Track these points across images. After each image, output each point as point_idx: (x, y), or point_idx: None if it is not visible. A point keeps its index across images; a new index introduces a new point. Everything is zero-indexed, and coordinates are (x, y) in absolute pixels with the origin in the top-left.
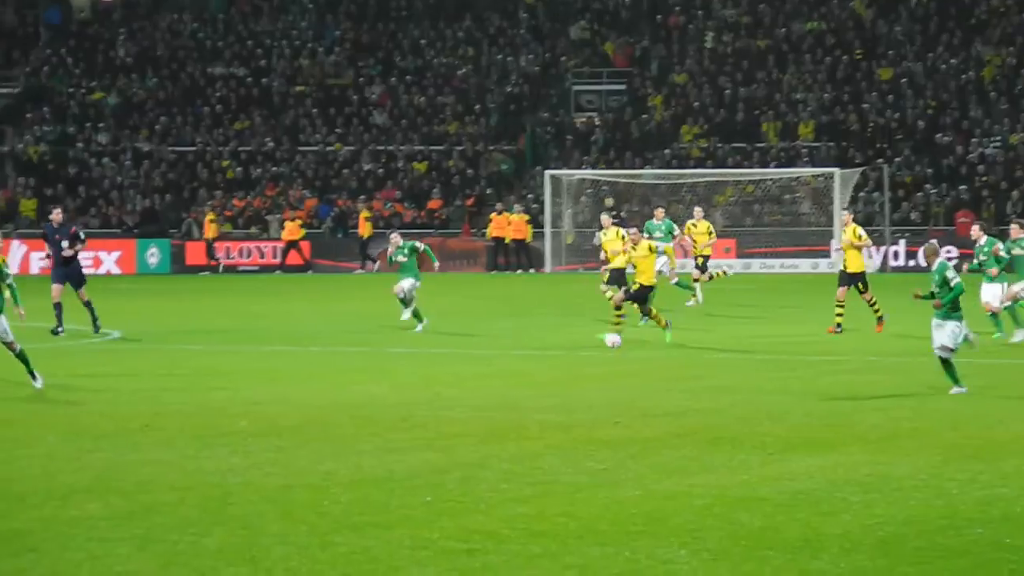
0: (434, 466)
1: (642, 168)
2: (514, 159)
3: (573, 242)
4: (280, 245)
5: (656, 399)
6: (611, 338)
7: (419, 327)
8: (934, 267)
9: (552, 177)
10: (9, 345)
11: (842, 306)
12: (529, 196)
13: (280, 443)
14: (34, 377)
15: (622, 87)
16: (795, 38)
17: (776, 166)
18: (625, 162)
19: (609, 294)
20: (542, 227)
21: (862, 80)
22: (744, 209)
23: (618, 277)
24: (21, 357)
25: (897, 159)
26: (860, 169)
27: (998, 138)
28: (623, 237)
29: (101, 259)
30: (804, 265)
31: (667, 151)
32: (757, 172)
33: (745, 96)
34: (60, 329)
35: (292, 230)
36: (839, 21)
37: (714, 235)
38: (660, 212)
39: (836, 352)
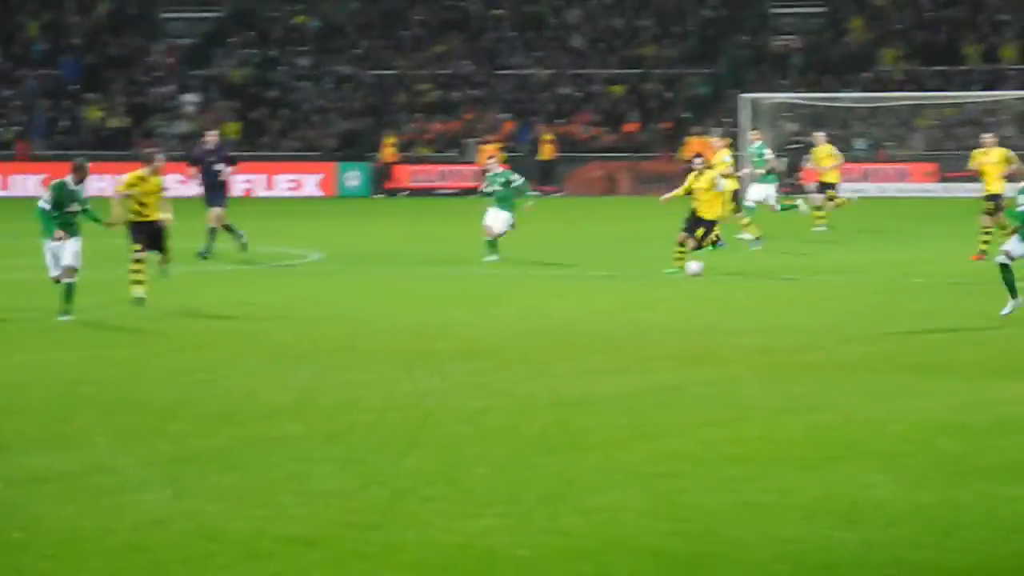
0: (631, 389)
1: (840, 91)
2: (711, 82)
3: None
4: (476, 169)
5: (854, 323)
6: (692, 266)
7: (493, 257)
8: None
9: (750, 101)
10: (70, 271)
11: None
12: (726, 120)
13: (478, 366)
14: (67, 312)
15: (821, 9)
16: None
17: (978, 89)
18: (824, 85)
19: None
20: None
21: None
22: (946, 133)
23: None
24: (68, 289)
25: None
26: None
27: None
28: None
29: (302, 182)
30: (1011, 190)
31: (866, 74)
32: (958, 95)
33: (947, 17)
34: (207, 253)
35: (488, 154)
36: None
37: (838, 158)
38: (756, 135)
39: None
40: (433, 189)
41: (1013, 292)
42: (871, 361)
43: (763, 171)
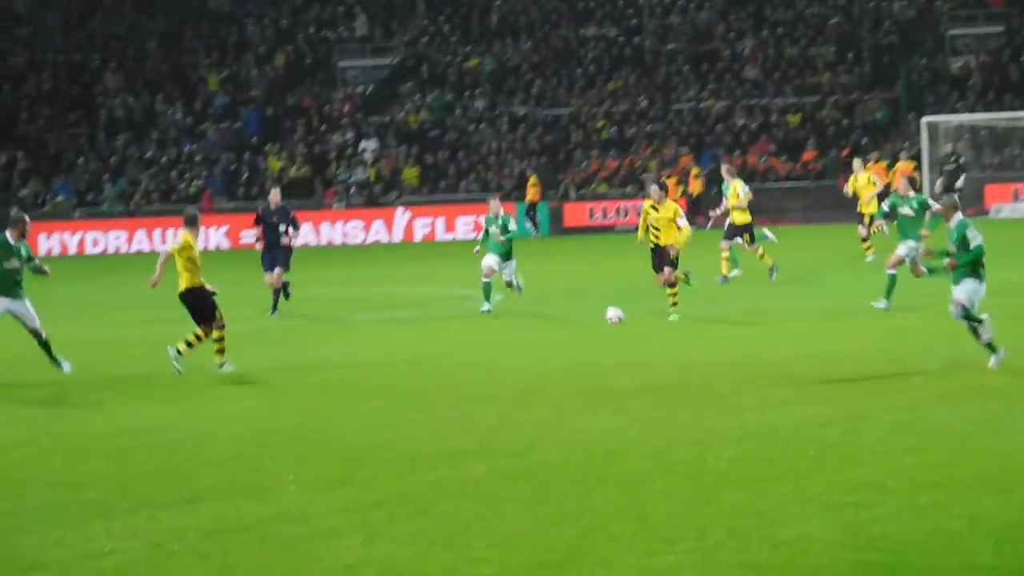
0: (817, 419)
1: (1022, 110)
2: (889, 107)
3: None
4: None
5: None
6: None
7: (486, 307)
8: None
9: (929, 124)
10: (34, 332)
11: None
12: (905, 144)
13: (660, 401)
14: (59, 364)
15: (999, 29)
16: None
17: None
18: (1004, 105)
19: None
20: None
21: None
22: None
23: None
24: (44, 345)
25: None
26: None
27: None
28: None
29: (481, 223)
30: None
31: None
32: None
33: None
34: (274, 314)
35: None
36: None
37: (876, 184)
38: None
39: None
40: (613, 226)
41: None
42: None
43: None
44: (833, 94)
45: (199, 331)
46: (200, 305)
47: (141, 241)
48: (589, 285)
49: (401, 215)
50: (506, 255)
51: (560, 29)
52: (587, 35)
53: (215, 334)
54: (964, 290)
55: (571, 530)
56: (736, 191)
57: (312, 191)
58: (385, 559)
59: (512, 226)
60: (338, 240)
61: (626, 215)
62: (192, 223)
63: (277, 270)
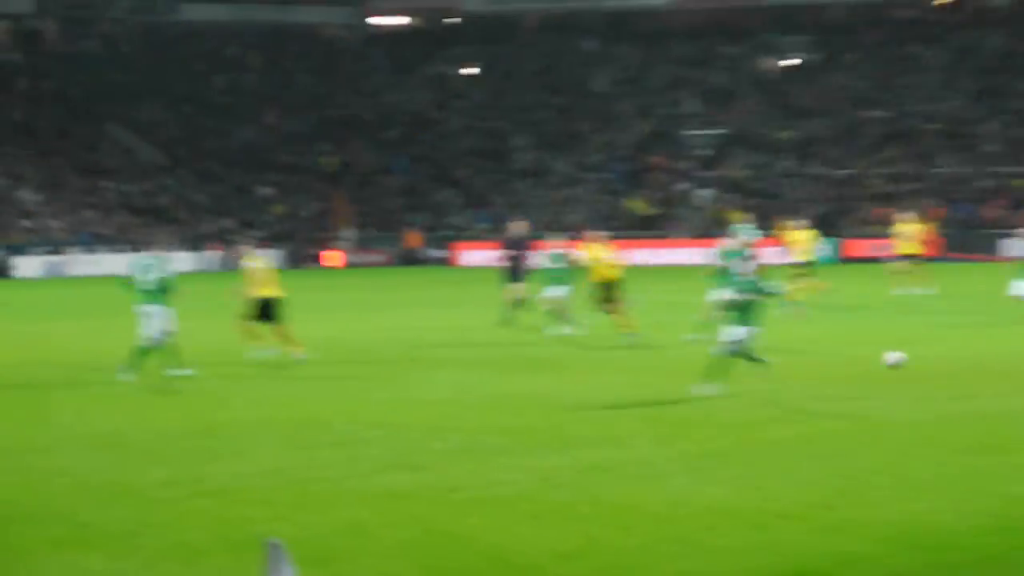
0: None
1: None
2: None
3: None
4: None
5: None
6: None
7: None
8: None
9: None
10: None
11: None
12: None
13: (939, 391)
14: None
15: None
16: None
17: None
18: None
19: None
20: None
21: None
22: None
23: None
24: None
25: None
26: None
27: None
28: None
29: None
30: None
31: None
32: None
33: None
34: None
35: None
36: None
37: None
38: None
39: None
40: (879, 257)
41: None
42: None
43: None
44: None
45: None
46: None
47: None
48: (864, 302)
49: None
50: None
51: (847, 111)
52: (866, 115)
53: None
54: None
55: (847, 480)
56: None
57: (659, 224)
58: (707, 495)
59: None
60: (675, 260)
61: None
62: None
63: (519, 285)
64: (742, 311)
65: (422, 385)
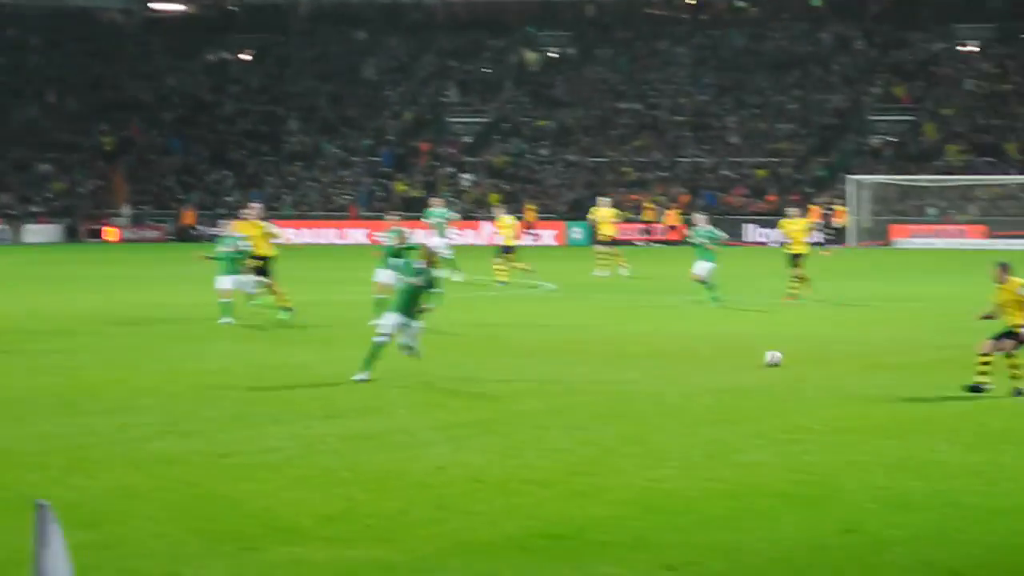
0: (769, 381)
1: (919, 175)
2: (828, 168)
3: None
4: (664, 227)
5: (927, 337)
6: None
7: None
8: None
9: (854, 181)
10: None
11: None
12: (838, 195)
13: (661, 362)
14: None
15: (907, 117)
16: None
17: (1015, 174)
18: (907, 171)
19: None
20: None
21: None
22: (992, 204)
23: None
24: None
25: None
26: None
27: None
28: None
29: (542, 235)
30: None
31: (937, 162)
32: (999, 178)
33: (994, 124)
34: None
35: (674, 217)
36: None
37: (618, 218)
38: (438, 201)
39: None
40: (631, 240)
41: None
42: (937, 363)
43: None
44: (790, 157)
45: None
46: None
47: (305, 235)
48: (616, 282)
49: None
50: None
51: (601, 102)
52: (620, 107)
53: None
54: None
55: (595, 449)
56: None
57: (425, 206)
58: (466, 463)
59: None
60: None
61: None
62: None
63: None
64: (406, 298)
65: (194, 356)
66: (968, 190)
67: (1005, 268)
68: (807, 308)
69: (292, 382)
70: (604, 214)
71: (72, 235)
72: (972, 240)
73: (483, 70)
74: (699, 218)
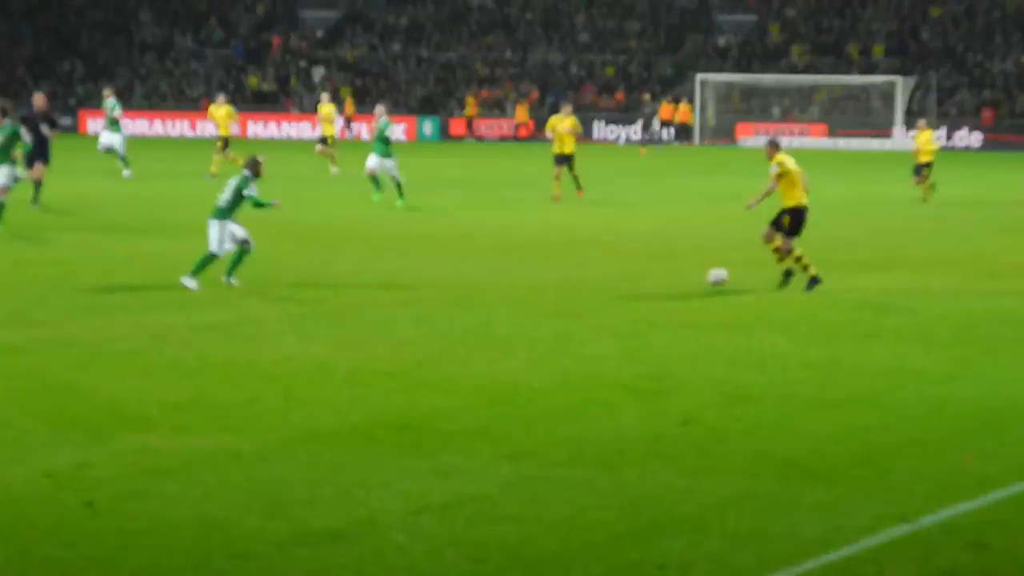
0: (612, 275)
1: (762, 74)
2: (676, 67)
3: None
4: (512, 123)
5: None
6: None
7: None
8: None
9: (701, 80)
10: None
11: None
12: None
13: (507, 257)
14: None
15: (752, 17)
16: None
17: (855, 74)
18: (752, 69)
19: None
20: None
21: (918, 15)
22: (834, 104)
23: None
24: None
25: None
26: (914, 78)
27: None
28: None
29: (394, 131)
30: (873, 144)
31: (781, 62)
32: (841, 78)
33: (837, 26)
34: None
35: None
36: None
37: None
38: (381, 110)
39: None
40: (481, 137)
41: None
42: (773, 260)
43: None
44: (637, 54)
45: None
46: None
47: (157, 127)
48: (466, 176)
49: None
50: (386, 154)
51: (449, 1)
52: (472, 4)
53: None
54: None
55: (442, 341)
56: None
57: (277, 100)
58: (312, 354)
59: (389, 132)
60: (295, 134)
61: (491, 130)
62: None
63: (38, 165)
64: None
65: (45, 247)
66: (811, 90)
67: (773, 145)
68: (653, 205)
69: (142, 272)
70: (327, 110)
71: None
72: (814, 139)
73: None
74: (380, 109)
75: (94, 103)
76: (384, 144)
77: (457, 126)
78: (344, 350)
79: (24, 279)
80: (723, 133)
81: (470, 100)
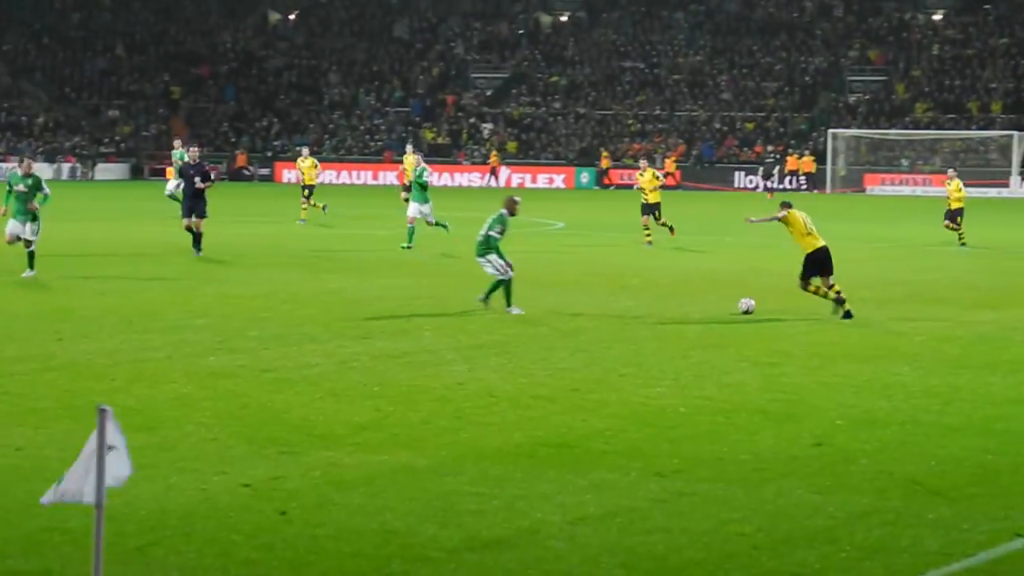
0: (755, 313)
1: (890, 130)
2: (809, 123)
3: None
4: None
5: (892, 273)
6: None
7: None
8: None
9: (832, 134)
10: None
11: None
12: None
13: (657, 293)
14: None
15: (880, 78)
16: (989, 49)
17: (975, 129)
18: (879, 126)
19: None
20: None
21: None
22: (955, 156)
23: None
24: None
25: None
26: None
27: None
28: None
29: (554, 179)
30: (991, 192)
31: (907, 119)
32: (962, 133)
33: (957, 84)
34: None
35: (669, 165)
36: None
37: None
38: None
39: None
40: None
41: None
42: (903, 297)
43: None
44: (775, 112)
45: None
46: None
47: (347, 177)
48: (618, 220)
49: (504, 171)
50: (423, 200)
51: (608, 61)
52: (624, 66)
53: None
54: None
55: (597, 369)
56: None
57: (449, 153)
58: (481, 380)
59: (427, 178)
60: (465, 183)
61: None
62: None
63: (194, 218)
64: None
65: (243, 283)
66: (934, 143)
67: (785, 205)
68: (787, 246)
69: (329, 306)
70: (410, 161)
71: (137, 173)
72: (936, 188)
73: (502, 31)
74: (416, 157)
75: (287, 156)
76: (421, 190)
77: (611, 176)
78: (509, 376)
79: (227, 311)
80: (853, 182)
81: (605, 153)
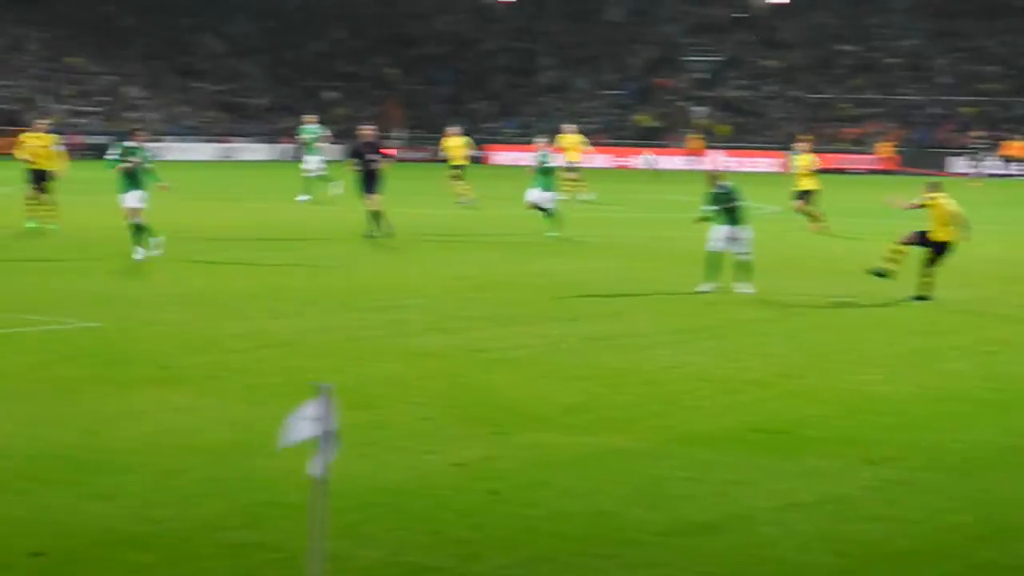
0: (974, 299)
1: None
2: None
3: None
4: (875, 158)
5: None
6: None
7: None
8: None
9: None
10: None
11: None
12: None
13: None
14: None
15: None
16: None
17: None
18: None
19: None
20: None
21: None
22: None
23: None
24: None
25: None
26: None
27: None
28: None
29: (757, 163)
30: None
31: None
32: None
33: None
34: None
35: (884, 149)
36: None
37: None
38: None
39: None
40: (843, 169)
41: None
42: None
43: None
44: (996, 96)
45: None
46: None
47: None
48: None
49: (715, 155)
50: (547, 187)
51: (823, 44)
52: (840, 49)
53: None
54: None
55: (808, 355)
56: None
57: (659, 136)
58: (691, 364)
59: (550, 163)
60: (671, 167)
61: (854, 164)
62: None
63: (374, 196)
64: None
65: (455, 263)
66: None
67: (933, 186)
68: (1002, 233)
69: (538, 289)
70: (570, 140)
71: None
72: None
73: (717, 14)
74: (541, 141)
75: (499, 139)
76: (545, 176)
77: (825, 160)
78: (719, 360)
79: (437, 290)
80: None
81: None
